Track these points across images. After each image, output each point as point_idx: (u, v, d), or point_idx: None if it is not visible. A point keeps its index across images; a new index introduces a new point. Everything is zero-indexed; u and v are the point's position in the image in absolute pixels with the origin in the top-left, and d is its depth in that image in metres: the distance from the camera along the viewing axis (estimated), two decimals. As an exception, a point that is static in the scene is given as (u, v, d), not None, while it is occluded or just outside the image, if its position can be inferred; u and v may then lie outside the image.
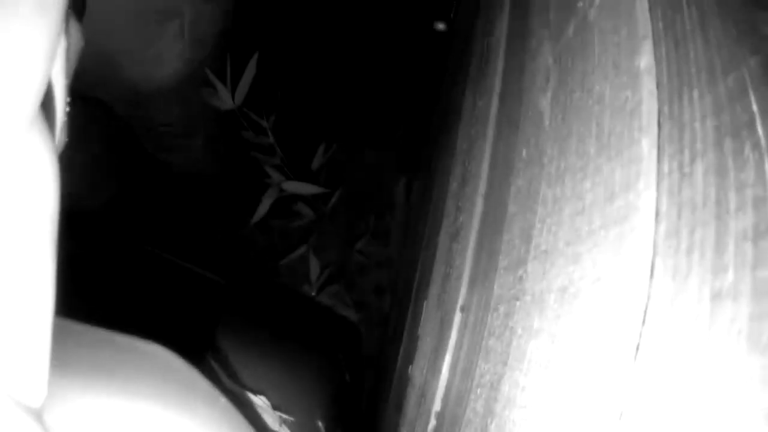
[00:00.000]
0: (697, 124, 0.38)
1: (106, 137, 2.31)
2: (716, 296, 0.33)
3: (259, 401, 1.40)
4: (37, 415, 0.47)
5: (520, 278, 0.69)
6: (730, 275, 0.32)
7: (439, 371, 1.03)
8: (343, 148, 2.94)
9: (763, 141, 0.31)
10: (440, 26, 2.59)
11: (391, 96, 3.24)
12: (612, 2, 0.56)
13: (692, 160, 0.37)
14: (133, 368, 0.81)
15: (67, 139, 0.55)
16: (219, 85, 2.23)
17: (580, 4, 0.65)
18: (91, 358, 0.77)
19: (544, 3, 0.82)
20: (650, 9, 0.49)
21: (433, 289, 1.32)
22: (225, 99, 2.25)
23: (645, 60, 0.47)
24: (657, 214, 0.40)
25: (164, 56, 2.04)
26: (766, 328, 0.29)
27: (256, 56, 2.24)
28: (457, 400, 0.89)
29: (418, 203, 2.31)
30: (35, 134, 0.43)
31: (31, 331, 0.46)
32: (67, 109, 0.53)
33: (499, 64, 1.07)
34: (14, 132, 0.41)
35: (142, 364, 0.82)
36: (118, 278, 1.83)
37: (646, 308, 0.40)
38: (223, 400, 0.91)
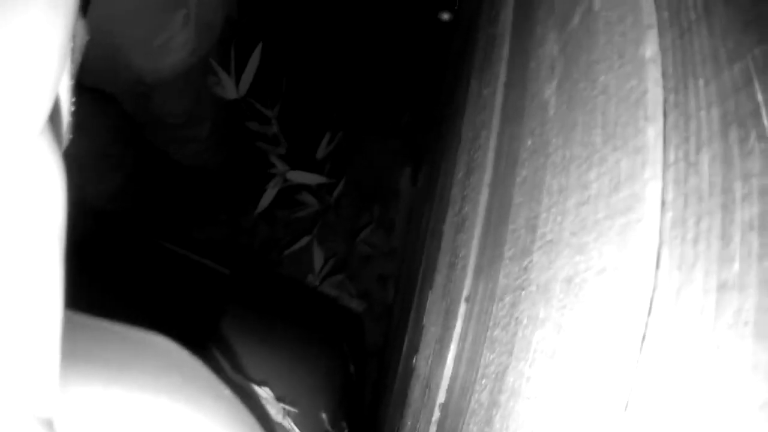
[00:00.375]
0: (703, 113, 0.38)
1: (111, 130, 2.31)
2: (722, 287, 0.33)
3: (263, 392, 1.40)
4: (49, 423, 0.48)
5: (526, 268, 0.69)
6: (736, 266, 0.32)
7: (444, 362, 1.03)
8: (348, 137, 2.95)
9: (768, 130, 0.32)
10: (445, 16, 2.59)
11: (396, 84, 3.25)
12: None
13: (698, 149, 0.38)
14: (136, 359, 0.81)
15: (71, 137, 0.55)
16: (223, 75, 2.24)
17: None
18: (95, 349, 0.77)
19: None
20: None
21: (438, 279, 1.32)
22: (229, 88, 2.26)
23: (650, 49, 0.47)
24: (663, 203, 0.40)
25: (170, 46, 2.04)
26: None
27: (260, 46, 2.24)
28: (461, 391, 0.90)
29: (423, 192, 2.31)
30: (43, 139, 0.43)
31: (41, 340, 0.46)
32: (72, 108, 0.53)
33: (505, 53, 1.07)
34: (28, 135, 0.41)
35: (145, 355, 0.82)
36: (122, 269, 1.83)
37: (652, 299, 0.40)
38: (226, 392, 0.91)
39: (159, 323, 0.89)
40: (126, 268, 1.85)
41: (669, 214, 0.39)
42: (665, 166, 0.41)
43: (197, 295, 1.89)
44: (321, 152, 2.63)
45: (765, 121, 0.32)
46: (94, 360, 0.76)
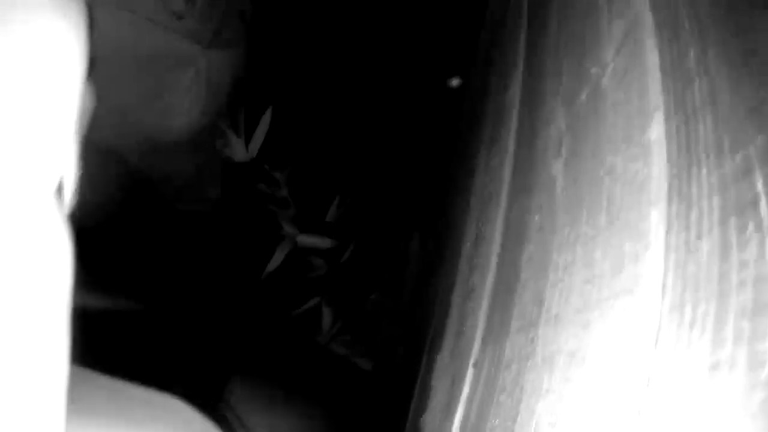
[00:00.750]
0: (705, 202, 0.39)
1: (121, 190, 2.30)
2: (715, 367, 0.35)
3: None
4: None
5: (532, 340, 0.70)
6: (728, 349, 0.33)
7: (451, 424, 1.03)
8: (358, 201, 2.94)
9: (765, 221, 0.33)
10: (454, 82, 2.56)
11: (407, 150, 3.24)
12: (624, 71, 0.57)
13: (698, 237, 0.39)
14: (150, 422, 0.82)
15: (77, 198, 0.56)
16: (233, 137, 2.24)
17: (593, 70, 0.66)
18: (109, 411, 0.78)
19: (557, 66, 0.83)
20: (662, 80, 0.50)
21: (447, 344, 1.31)
22: (239, 151, 2.25)
23: (656, 133, 0.48)
24: (663, 288, 0.42)
25: (179, 106, 2.04)
26: (758, 396, 0.30)
27: (270, 110, 2.24)
28: (467, 454, 0.90)
29: (432, 258, 2.30)
30: (51, 201, 0.44)
31: (45, 397, 0.47)
32: (79, 172, 0.54)
33: (513, 126, 1.08)
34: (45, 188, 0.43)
35: (159, 417, 0.83)
36: (133, 328, 1.82)
37: (650, 376, 0.41)
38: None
39: (170, 383, 0.91)
40: (136, 327, 1.84)
41: (668, 298, 0.41)
42: (667, 251, 0.43)
43: (208, 355, 1.88)
44: (331, 215, 2.62)
45: (762, 212, 0.33)
46: (109, 422, 0.77)
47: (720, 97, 0.40)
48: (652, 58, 0.52)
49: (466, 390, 1.00)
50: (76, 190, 0.55)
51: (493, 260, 1.00)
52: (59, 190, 0.48)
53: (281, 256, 2.48)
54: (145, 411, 0.83)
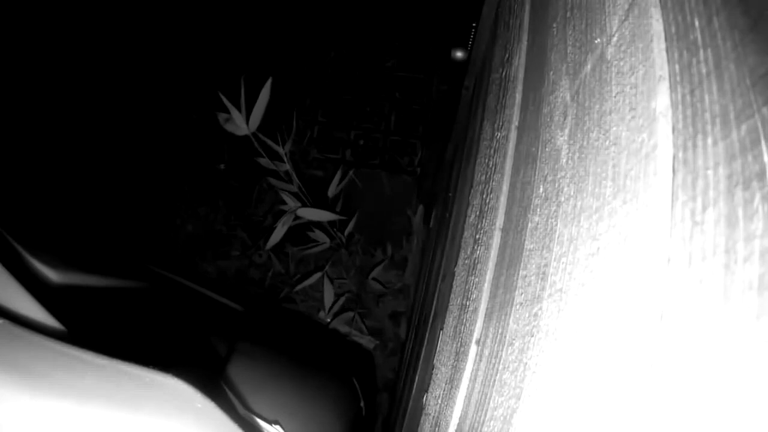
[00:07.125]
0: (710, 172, 0.38)
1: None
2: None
3: (274, 431, 1.40)
4: None
5: (536, 315, 0.69)
6: (734, 324, 0.32)
7: (454, 402, 1.03)
8: (360, 175, 2.94)
9: (773, 191, 0.32)
10: (458, 54, 2.54)
11: (409, 121, 3.24)
12: (629, 40, 0.57)
13: (704, 209, 0.38)
14: (151, 402, 0.82)
15: None
16: (234, 111, 2.23)
17: (598, 40, 0.65)
18: (112, 391, 0.78)
19: (561, 37, 0.82)
20: (667, 50, 0.49)
21: (450, 320, 1.31)
22: (240, 125, 2.24)
23: (662, 103, 0.48)
24: (669, 261, 0.41)
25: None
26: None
27: (269, 82, 2.23)
28: (470, 431, 0.90)
29: (435, 232, 2.30)
30: None
31: None
32: None
33: (518, 96, 1.07)
34: None
35: (158, 396, 0.83)
36: (135, 305, 1.81)
37: (655, 350, 0.41)
38: (238, 432, 0.92)
39: (173, 359, 0.90)
40: (140, 305, 1.84)
41: (674, 272, 0.40)
42: (672, 223, 0.42)
43: (210, 331, 1.87)
44: (332, 190, 2.60)
45: (770, 183, 0.32)
46: (111, 402, 0.77)
47: (726, 67, 0.39)
48: (657, 27, 0.51)
49: (469, 367, 1.00)
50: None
51: (497, 232, 1.00)
52: None
53: (282, 231, 2.47)
54: (145, 392, 0.83)
